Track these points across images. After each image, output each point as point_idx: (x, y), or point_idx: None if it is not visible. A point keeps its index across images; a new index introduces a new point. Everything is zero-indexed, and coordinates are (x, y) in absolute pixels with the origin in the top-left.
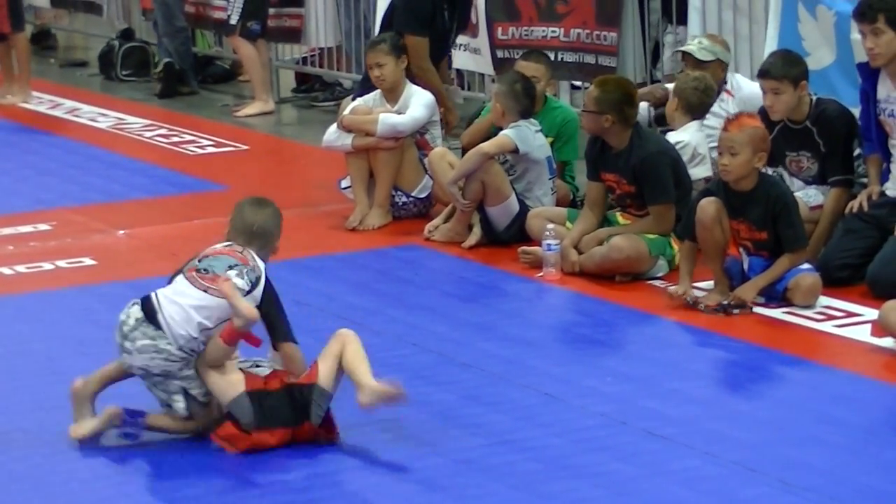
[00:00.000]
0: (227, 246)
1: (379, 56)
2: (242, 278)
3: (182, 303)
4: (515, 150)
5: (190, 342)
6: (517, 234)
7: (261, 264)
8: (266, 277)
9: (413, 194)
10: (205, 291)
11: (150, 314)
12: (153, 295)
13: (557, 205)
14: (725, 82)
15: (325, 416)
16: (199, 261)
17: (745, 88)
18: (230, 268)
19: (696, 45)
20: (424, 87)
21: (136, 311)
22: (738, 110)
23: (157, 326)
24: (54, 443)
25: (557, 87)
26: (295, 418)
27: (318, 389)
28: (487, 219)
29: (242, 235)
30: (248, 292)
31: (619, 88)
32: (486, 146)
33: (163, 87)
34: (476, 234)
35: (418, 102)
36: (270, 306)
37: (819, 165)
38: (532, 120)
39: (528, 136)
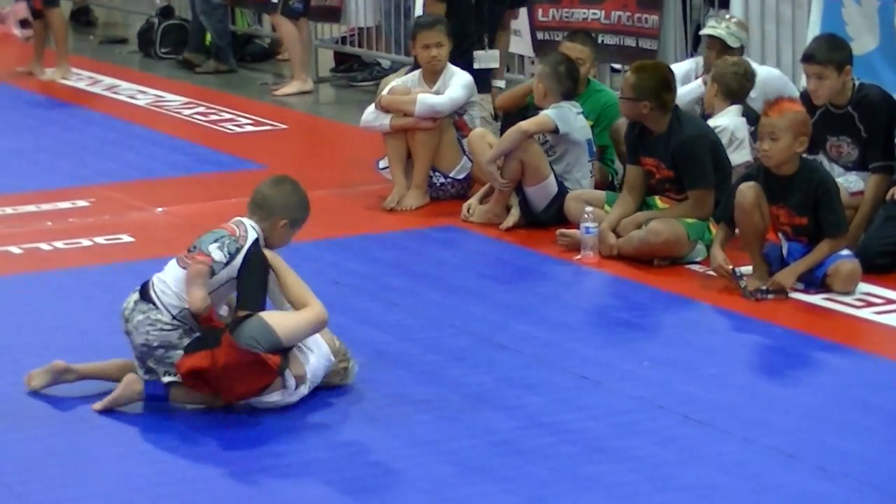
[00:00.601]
0: (234, 219)
1: (439, 36)
2: (222, 250)
3: (168, 280)
4: (555, 131)
5: (182, 312)
6: (555, 215)
7: (251, 235)
8: (251, 248)
9: (451, 175)
10: (184, 269)
11: (144, 294)
12: (150, 279)
13: (596, 188)
14: None
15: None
16: (198, 238)
17: (760, 73)
18: (215, 241)
19: (724, 29)
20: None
21: (134, 296)
22: (761, 96)
23: (151, 302)
24: (91, 418)
25: (598, 70)
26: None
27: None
28: (526, 199)
29: (249, 206)
30: (227, 264)
31: (656, 74)
32: (526, 124)
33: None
34: (514, 216)
35: (457, 83)
36: (244, 276)
37: (859, 151)
38: (574, 102)
39: (568, 116)
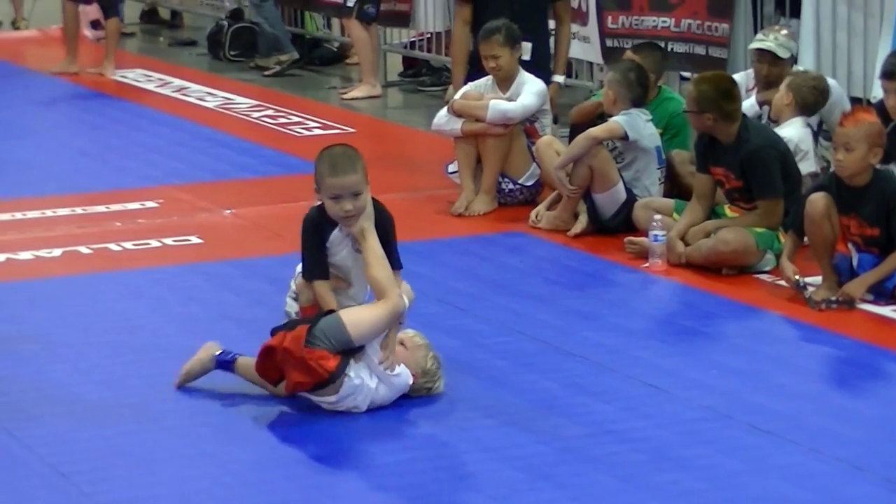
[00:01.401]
0: None
1: (494, 48)
2: None
3: None
4: (625, 137)
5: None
6: (623, 223)
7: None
8: (306, 218)
9: (520, 182)
10: None
11: None
12: None
13: (665, 196)
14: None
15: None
16: None
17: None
18: None
19: (773, 41)
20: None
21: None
22: None
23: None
24: (159, 419)
25: (667, 78)
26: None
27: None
28: (595, 206)
29: None
30: None
31: (715, 85)
32: (595, 131)
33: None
34: (582, 223)
35: (529, 91)
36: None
37: None
38: (643, 109)
39: (638, 123)
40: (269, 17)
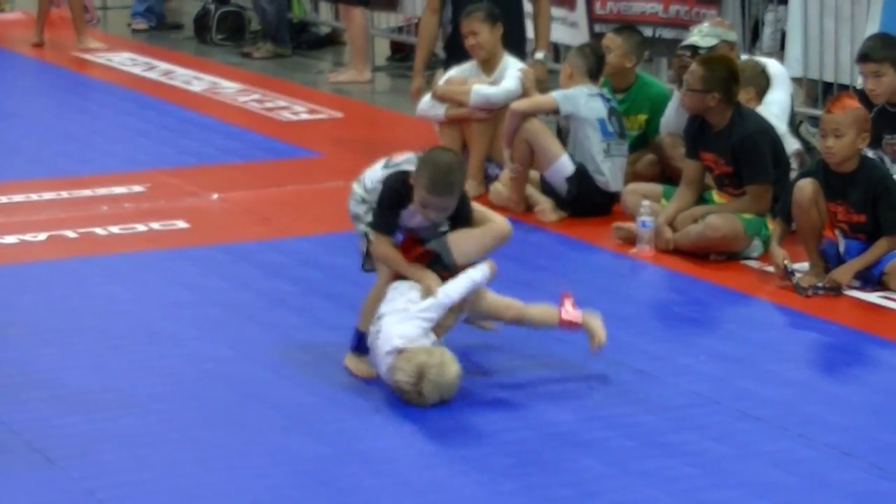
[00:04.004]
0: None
1: (473, 24)
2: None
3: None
4: (556, 111)
5: (371, 193)
6: (582, 198)
7: (404, 164)
8: (392, 183)
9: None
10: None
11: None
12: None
13: (645, 179)
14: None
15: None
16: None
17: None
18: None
19: (697, 34)
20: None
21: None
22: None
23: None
24: (146, 404)
25: (638, 60)
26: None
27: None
28: (552, 189)
29: None
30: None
31: (725, 65)
32: (518, 104)
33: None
34: (546, 206)
35: (512, 75)
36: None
37: None
38: (600, 90)
39: (575, 97)
40: (274, 8)
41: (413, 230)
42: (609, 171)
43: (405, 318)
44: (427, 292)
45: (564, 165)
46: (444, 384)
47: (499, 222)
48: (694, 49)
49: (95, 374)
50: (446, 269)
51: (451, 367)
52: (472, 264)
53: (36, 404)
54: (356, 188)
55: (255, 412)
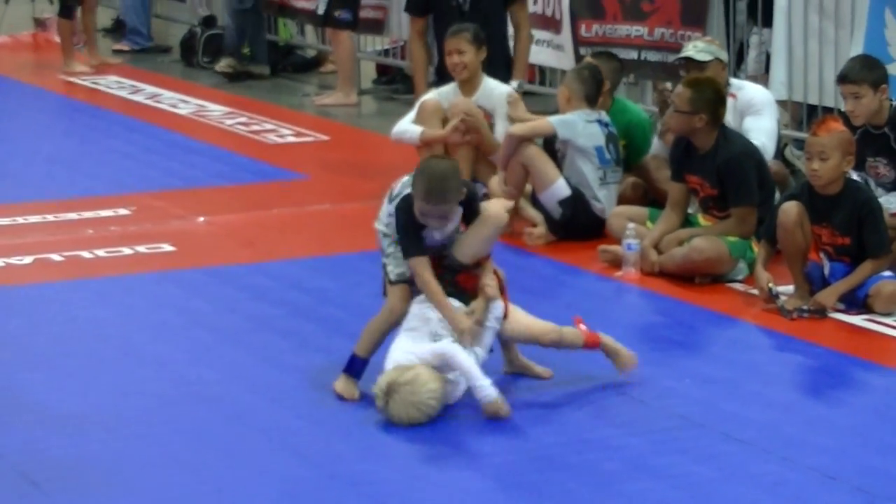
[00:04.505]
0: None
1: (460, 43)
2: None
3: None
4: (555, 136)
5: (389, 227)
6: (575, 222)
7: (399, 192)
8: (402, 207)
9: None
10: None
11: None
12: None
13: (630, 202)
14: (728, 84)
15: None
16: None
17: (746, 91)
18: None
19: (692, 48)
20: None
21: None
22: (738, 113)
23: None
24: (131, 427)
25: (608, 85)
26: None
27: None
28: (545, 211)
29: None
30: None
31: (712, 87)
32: (516, 128)
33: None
34: (540, 230)
35: (500, 114)
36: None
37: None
38: (598, 112)
39: (573, 122)
40: (248, 29)
41: (438, 247)
42: (605, 197)
43: (407, 350)
44: (459, 336)
45: (560, 189)
46: (412, 402)
47: (492, 211)
48: (687, 61)
49: (81, 397)
50: (457, 271)
51: (423, 387)
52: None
53: (21, 427)
54: (377, 227)
55: (241, 435)
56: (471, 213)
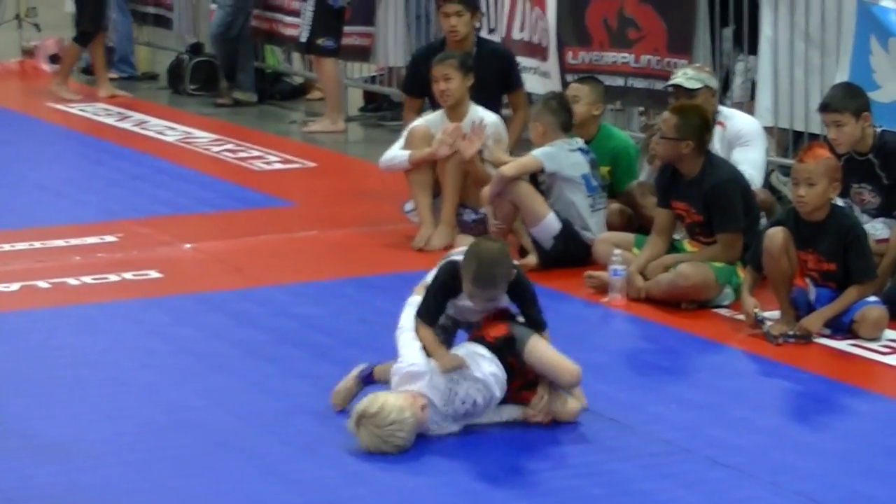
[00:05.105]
0: None
1: (447, 69)
2: None
3: None
4: (542, 170)
5: None
6: (567, 253)
7: (451, 257)
8: (447, 270)
9: (482, 210)
10: None
11: None
12: None
13: (616, 229)
14: (717, 112)
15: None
16: None
17: (735, 121)
18: None
19: (682, 76)
20: None
21: None
22: (727, 143)
23: None
24: (118, 454)
25: (604, 110)
26: None
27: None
28: (535, 240)
29: None
30: None
31: (698, 114)
32: (506, 169)
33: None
34: (532, 259)
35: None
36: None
37: (881, 199)
38: (574, 139)
39: (558, 155)
40: (226, 50)
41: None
42: (595, 225)
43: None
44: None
45: (551, 224)
46: (377, 435)
47: (571, 365)
48: (677, 89)
49: (68, 424)
50: (514, 355)
51: (385, 421)
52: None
53: (8, 454)
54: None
55: (228, 461)
56: (520, 293)
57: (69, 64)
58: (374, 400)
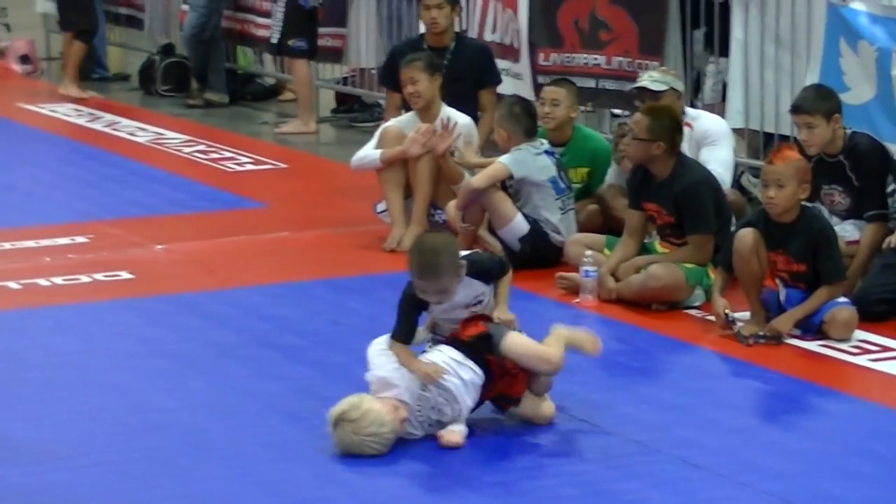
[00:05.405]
0: None
1: (413, 72)
2: None
3: None
4: (511, 177)
5: None
6: (536, 255)
7: None
8: (404, 289)
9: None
10: None
11: None
12: None
13: (590, 230)
14: (684, 113)
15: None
16: None
17: (702, 121)
18: None
19: (647, 78)
20: None
21: None
22: (695, 143)
23: None
24: (89, 455)
25: (599, 115)
26: None
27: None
28: (503, 241)
29: None
30: None
31: (670, 115)
32: (476, 181)
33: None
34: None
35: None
36: None
37: (850, 200)
38: (540, 141)
39: (525, 159)
40: (199, 52)
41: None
42: (564, 228)
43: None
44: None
45: (519, 226)
46: (353, 439)
47: (553, 352)
48: (642, 91)
49: (40, 426)
50: (491, 352)
51: (366, 430)
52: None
53: None
54: None
55: (200, 462)
56: (487, 274)
57: (76, 62)
58: (357, 405)
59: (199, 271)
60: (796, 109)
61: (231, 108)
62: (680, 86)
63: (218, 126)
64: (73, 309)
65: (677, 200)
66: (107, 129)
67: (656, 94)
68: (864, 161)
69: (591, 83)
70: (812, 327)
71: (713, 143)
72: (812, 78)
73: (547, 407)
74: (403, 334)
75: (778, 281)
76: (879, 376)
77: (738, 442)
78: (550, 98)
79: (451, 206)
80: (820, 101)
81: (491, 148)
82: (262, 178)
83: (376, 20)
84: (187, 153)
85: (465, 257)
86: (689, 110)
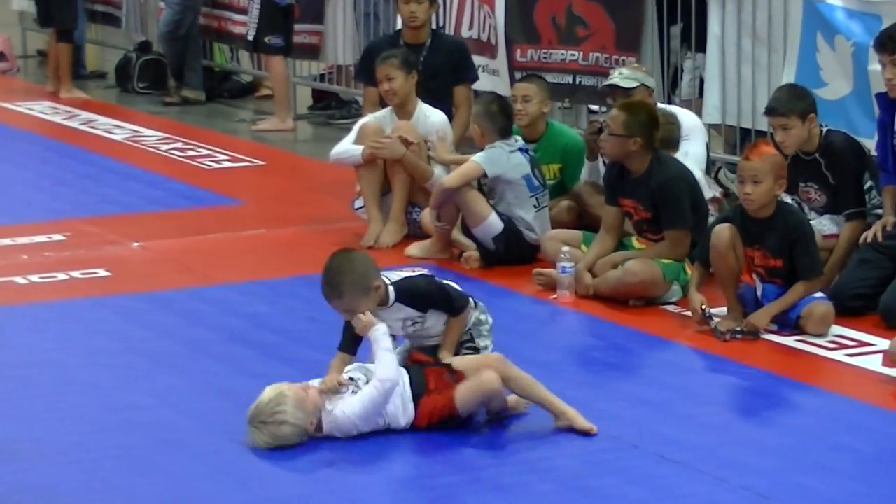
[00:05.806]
0: None
1: (389, 69)
2: None
3: None
4: (485, 175)
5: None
6: (510, 253)
7: None
8: None
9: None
10: None
11: None
12: None
13: (566, 226)
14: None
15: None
16: None
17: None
18: None
19: (618, 76)
20: None
21: None
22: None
23: None
24: (66, 453)
25: (552, 107)
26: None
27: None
28: (476, 239)
29: None
30: None
31: (646, 111)
32: (448, 181)
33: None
34: (474, 256)
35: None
36: None
37: (827, 197)
38: (514, 139)
39: (499, 158)
40: (175, 49)
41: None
42: (539, 225)
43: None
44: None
45: (493, 224)
46: (267, 428)
47: (486, 378)
48: (613, 89)
49: (15, 424)
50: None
51: (267, 407)
52: None
53: None
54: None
55: (177, 461)
56: (431, 303)
57: (67, 64)
58: (270, 396)
59: (176, 269)
60: (771, 111)
61: (208, 105)
62: (651, 82)
63: (195, 123)
64: (49, 307)
65: (654, 196)
66: (83, 127)
67: (627, 92)
68: (839, 159)
69: (568, 79)
70: (789, 322)
71: (685, 138)
72: (789, 73)
73: (487, 377)
74: (345, 344)
75: (755, 276)
76: (856, 371)
77: (716, 437)
78: (521, 94)
79: (426, 213)
80: (794, 102)
81: (467, 144)
82: (239, 175)
83: (353, 17)
84: (164, 151)
85: (399, 282)
86: (660, 106)
